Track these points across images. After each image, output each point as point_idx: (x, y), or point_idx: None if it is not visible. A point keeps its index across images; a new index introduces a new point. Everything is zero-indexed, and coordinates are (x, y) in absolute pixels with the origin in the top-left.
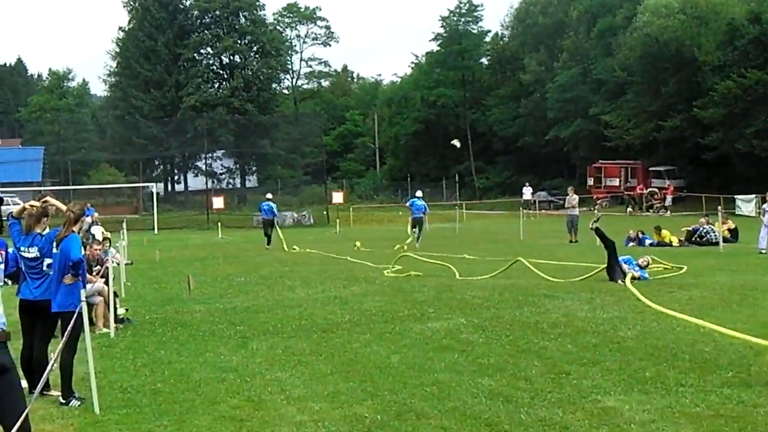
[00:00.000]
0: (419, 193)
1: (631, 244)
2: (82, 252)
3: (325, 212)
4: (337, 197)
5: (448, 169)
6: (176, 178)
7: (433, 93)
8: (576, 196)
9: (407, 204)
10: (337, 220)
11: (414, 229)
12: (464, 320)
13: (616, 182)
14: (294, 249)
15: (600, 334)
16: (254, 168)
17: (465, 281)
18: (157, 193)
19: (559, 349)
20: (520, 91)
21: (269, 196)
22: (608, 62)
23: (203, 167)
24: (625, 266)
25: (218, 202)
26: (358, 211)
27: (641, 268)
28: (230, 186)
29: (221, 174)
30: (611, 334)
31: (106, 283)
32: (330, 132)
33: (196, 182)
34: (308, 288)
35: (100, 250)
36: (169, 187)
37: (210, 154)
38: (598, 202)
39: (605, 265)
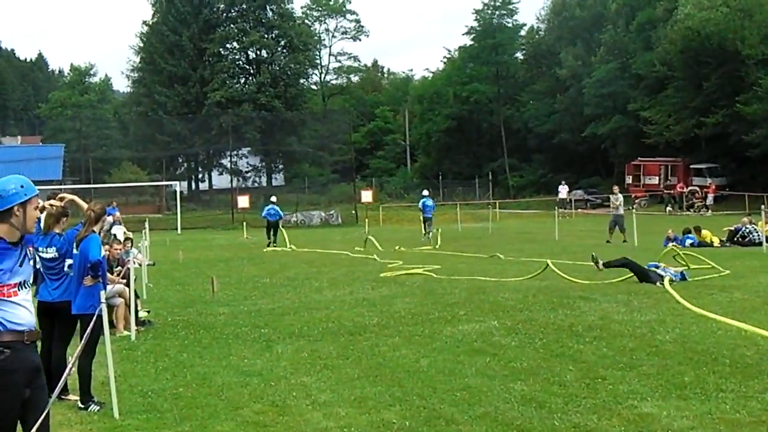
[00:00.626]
0: (426, 192)
1: (670, 244)
2: (102, 252)
3: (353, 211)
4: (366, 196)
5: (481, 167)
6: (200, 176)
7: (466, 89)
8: (620, 196)
9: (419, 205)
10: (366, 220)
11: (429, 229)
12: (496, 323)
13: (655, 180)
14: (291, 248)
15: (637, 337)
16: (281, 166)
17: (498, 282)
18: (181, 192)
19: (594, 353)
20: (556, 87)
21: (273, 199)
22: (648, 56)
23: (228, 165)
24: (658, 270)
25: (243, 201)
26: (388, 210)
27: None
28: (256, 185)
29: (247, 172)
30: (649, 338)
31: (128, 284)
32: (359, 129)
33: (220, 181)
34: (335, 290)
35: (120, 250)
36: (193, 186)
37: (235, 152)
38: (637, 201)
39: (630, 275)
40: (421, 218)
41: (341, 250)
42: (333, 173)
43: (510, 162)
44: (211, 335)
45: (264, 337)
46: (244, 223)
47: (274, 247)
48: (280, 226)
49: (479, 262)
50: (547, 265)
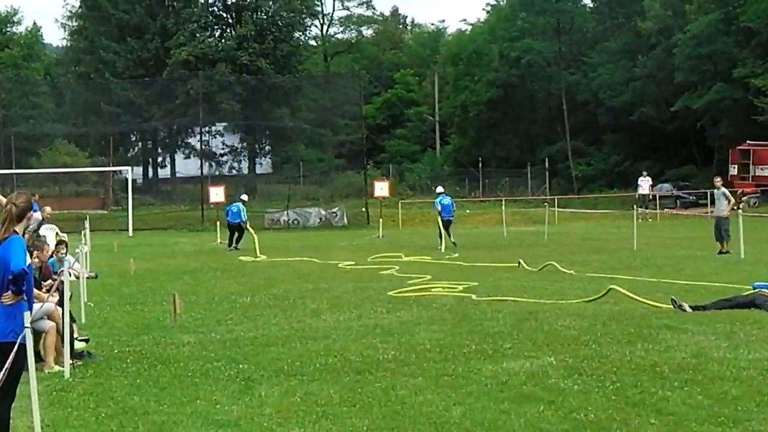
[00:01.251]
0: (441, 189)
1: None
2: (27, 260)
3: (363, 209)
4: (381, 189)
5: (534, 152)
6: (160, 160)
7: (515, 47)
8: (725, 190)
9: (436, 205)
10: (380, 221)
11: (446, 233)
12: (553, 359)
13: None
14: (258, 258)
15: (743, 382)
16: (267, 148)
17: (555, 306)
18: (134, 181)
19: (685, 402)
20: (637, 45)
21: (244, 197)
22: (762, 4)
23: (197, 146)
24: None
25: (217, 194)
26: (409, 207)
27: None
28: (234, 172)
29: (222, 155)
30: (759, 383)
31: (60, 303)
32: (373, 99)
33: (187, 166)
34: (339, 313)
35: (52, 257)
36: (150, 173)
37: (207, 128)
38: (744, 198)
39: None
40: (440, 222)
41: (347, 260)
42: (337, 158)
43: (574, 145)
44: (171, 372)
45: (243, 375)
46: (218, 223)
47: (236, 248)
48: (247, 227)
49: (530, 278)
50: (610, 289)
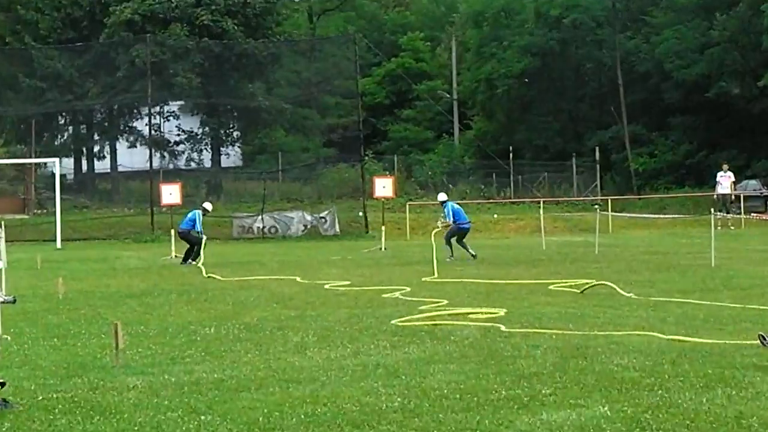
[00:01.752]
0: (445, 196)
1: None
2: None
3: (361, 214)
4: (384, 187)
5: (581, 140)
6: (97, 150)
7: (557, 3)
8: None
9: (445, 213)
10: (383, 228)
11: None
12: (607, 409)
13: None
14: (210, 276)
15: None
16: (236, 134)
17: (609, 339)
18: (63, 176)
19: None
20: (715, 0)
21: (207, 206)
22: None
23: (145, 131)
24: None
25: (171, 194)
26: (420, 211)
27: None
28: (194, 165)
29: (177, 143)
30: None
31: None
32: (373, 71)
33: (132, 157)
34: (329, 348)
35: None
36: (84, 166)
37: (158, 108)
38: None
39: None
40: (453, 231)
41: (339, 280)
42: (326, 147)
43: (632, 131)
44: (113, 426)
45: (206, 429)
46: (172, 231)
47: (191, 263)
48: (199, 239)
49: (576, 303)
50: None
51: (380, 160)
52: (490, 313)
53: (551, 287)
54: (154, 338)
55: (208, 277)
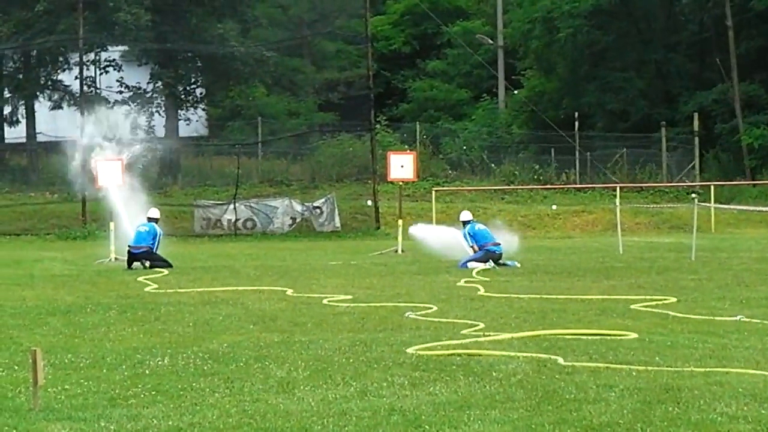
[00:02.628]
0: (469, 215)
1: None
2: None
3: (369, 202)
4: (402, 166)
5: (673, 104)
6: (8, 111)
7: None
8: None
9: (465, 235)
10: (400, 223)
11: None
12: None
13: None
14: (148, 286)
15: None
16: (199, 91)
17: (710, 379)
18: None
19: None
20: None
21: (153, 213)
22: None
23: (75, 87)
24: None
25: (111, 172)
26: (451, 201)
27: None
28: (140, 133)
29: (118, 104)
30: None
31: None
32: (387, 7)
33: (56, 122)
34: (326, 386)
35: None
36: None
37: (93, 56)
38: None
39: None
40: (479, 258)
41: (339, 293)
42: (322, 110)
43: (745, 91)
44: None
45: None
46: (111, 224)
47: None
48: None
49: (665, 327)
50: None
51: (397, 129)
52: (617, 334)
53: (633, 307)
54: (86, 371)
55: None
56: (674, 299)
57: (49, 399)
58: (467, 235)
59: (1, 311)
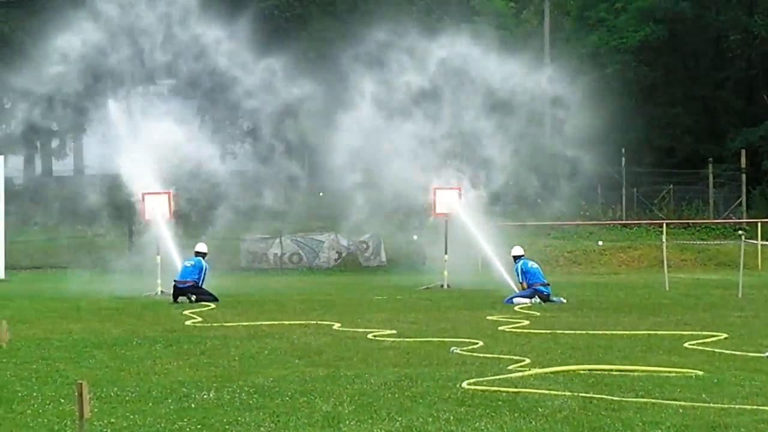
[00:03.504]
0: (521, 250)
1: None
2: None
3: (415, 237)
4: (447, 199)
5: (721, 140)
6: (56, 144)
7: None
8: None
9: (515, 272)
10: (445, 258)
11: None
12: None
13: None
14: (193, 320)
15: None
16: (245, 125)
17: (754, 416)
18: (8, 180)
19: None
20: None
21: (201, 247)
22: None
23: (119, 119)
24: None
25: (154, 207)
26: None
27: None
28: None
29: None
30: None
31: None
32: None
33: (102, 155)
34: (372, 420)
35: None
36: (39, 167)
37: (141, 88)
38: None
39: None
40: (526, 295)
41: (385, 327)
42: None
43: None
44: None
45: None
46: (158, 258)
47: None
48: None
49: (712, 364)
50: None
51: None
52: (711, 335)
53: (687, 345)
54: (132, 404)
55: (192, 319)
56: (724, 336)
57: (94, 431)
58: (518, 271)
59: (48, 344)
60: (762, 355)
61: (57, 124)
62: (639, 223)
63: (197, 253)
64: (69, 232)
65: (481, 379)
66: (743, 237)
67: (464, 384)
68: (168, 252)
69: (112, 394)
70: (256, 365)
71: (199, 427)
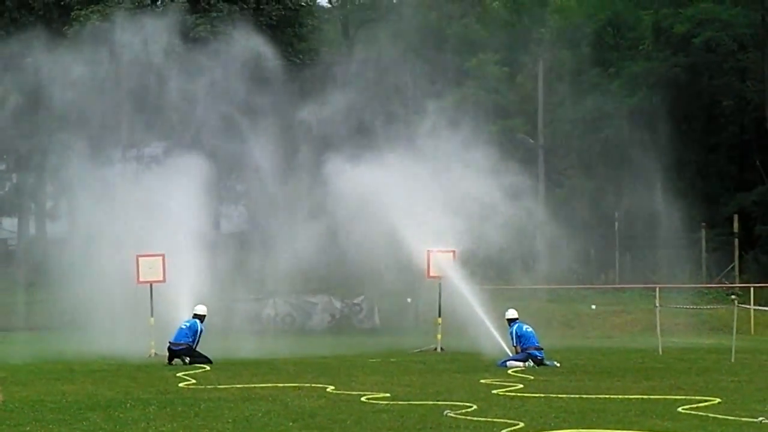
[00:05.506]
0: (515, 313)
1: None
2: None
3: (409, 300)
4: (440, 264)
5: (713, 205)
6: (51, 205)
7: (684, 17)
8: None
9: (511, 335)
10: (439, 321)
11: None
12: None
13: None
14: (187, 382)
15: None
16: (239, 187)
17: None
18: (4, 242)
19: None
20: None
21: (200, 309)
22: None
23: (115, 178)
24: None
25: (150, 268)
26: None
27: None
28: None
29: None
30: None
31: None
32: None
33: (97, 217)
34: None
35: None
36: (33, 226)
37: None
38: None
39: None
40: (519, 359)
41: (378, 390)
42: None
43: None
44: None
45: None
46: (151, 319)
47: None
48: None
49: (703, 428)
50: None
51: None
52: None
53: (680, 410)
54: None
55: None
56: (717, 400)
57: None
58: (513, 334)
59: (42, 406)
60: (756, 420)
61: (50, 183)
62: (632, 287)
63: (195, 315)
64: (63, 293)
65: None
66: (736, 302)
67: None
68: (162, 314)
69: None
70: (250, 428)
71: None
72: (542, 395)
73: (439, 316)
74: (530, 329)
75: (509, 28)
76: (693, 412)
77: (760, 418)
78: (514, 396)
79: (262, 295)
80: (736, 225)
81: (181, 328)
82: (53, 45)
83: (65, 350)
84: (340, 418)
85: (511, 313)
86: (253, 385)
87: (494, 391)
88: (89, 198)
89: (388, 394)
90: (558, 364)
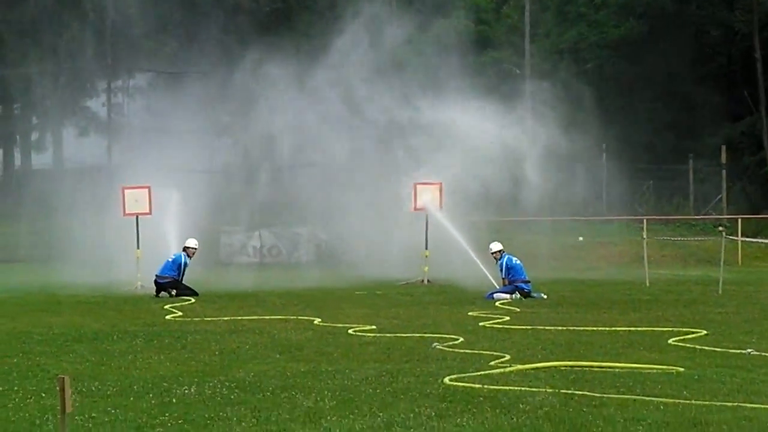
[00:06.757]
0: (500, 245)
1: None
2: None
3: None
4: (428, 195)
5: (700, 136)
6: (36, 137)
7: None
8: None
9: (500, 269)
10: (426, 253)
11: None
12: None
13: None
14: (174, 314)
15: None
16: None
17: (735, 412)
18: None
19: None
20: None
21: (190, 242)
22: None
23: (101, 113)
24: None
25: (137, 200)
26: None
27: None
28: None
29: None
30: None
31: None
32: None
33: (81, 149)
34: (353, 416)
35: None
36: (18, 160)
37: (120, 82)
38: None
39: None
40: (507, 291)
41: (365, 323)
42: None
43: None
44: None
45: None
46: (138, 251)
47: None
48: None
49: (693, 361)
50: None
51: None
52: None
53: (671, 341)
54: (113, 399)
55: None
56: (704, 332)
57: (77, 427)
58: (503, 266)
59: (29, 338)
60: (744, 352)
61: (36, 117)
62: (619, 219)
63: (185, 248)
64: (49, 225)
65: (463, 375)
66: (723, 233)
67: (445, 380)
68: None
69: (94, 388)
70: (237, 360)
71: (180, 422)
72: (529, 327)
73: (426, 248)
74: (519, 261)
75: None
76: (680, 344)
77: (749, 350)
78: (501, 328)
79: (248, 227)
80: (723, 156)
81: (167, 261)
82: None
83: (50, 282)
84: (327, 350)
85: (495, 246)
86: (239, 318)
87: (481, 324)
88: (74, 129)
89: (374, 327)
90: (545, 296)
